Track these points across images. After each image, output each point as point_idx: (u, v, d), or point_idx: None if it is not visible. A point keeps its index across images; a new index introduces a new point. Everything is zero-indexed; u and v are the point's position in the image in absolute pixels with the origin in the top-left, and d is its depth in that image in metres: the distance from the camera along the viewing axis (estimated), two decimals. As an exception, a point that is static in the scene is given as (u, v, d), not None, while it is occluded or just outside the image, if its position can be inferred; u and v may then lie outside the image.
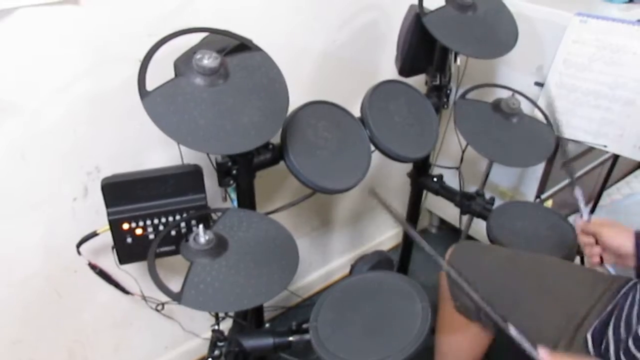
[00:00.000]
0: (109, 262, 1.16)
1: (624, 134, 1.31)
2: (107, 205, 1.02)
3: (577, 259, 1.35)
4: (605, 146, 1.34)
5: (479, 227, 1.55)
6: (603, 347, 0.88)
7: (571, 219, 0.96)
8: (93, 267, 1.19)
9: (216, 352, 0.97)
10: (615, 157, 1.42)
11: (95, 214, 1.13)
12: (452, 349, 1.22)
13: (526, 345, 0.77)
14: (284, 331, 0.98)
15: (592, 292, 1.01)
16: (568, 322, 0.98)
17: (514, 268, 1.09)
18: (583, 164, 1.86)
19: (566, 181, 1.81)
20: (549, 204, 1.70)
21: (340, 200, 1.78)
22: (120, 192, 1.02)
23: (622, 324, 0.87)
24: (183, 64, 0.90)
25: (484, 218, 1.35)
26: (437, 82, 1.36)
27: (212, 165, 1.06)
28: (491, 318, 1.09)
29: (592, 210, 1.57)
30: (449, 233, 2.12)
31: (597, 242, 0.97)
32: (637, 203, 1.99)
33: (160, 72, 0.85)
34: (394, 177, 1.87)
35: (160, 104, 0.82)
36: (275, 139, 1.04)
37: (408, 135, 1.21)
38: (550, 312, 1.01)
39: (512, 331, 0.78)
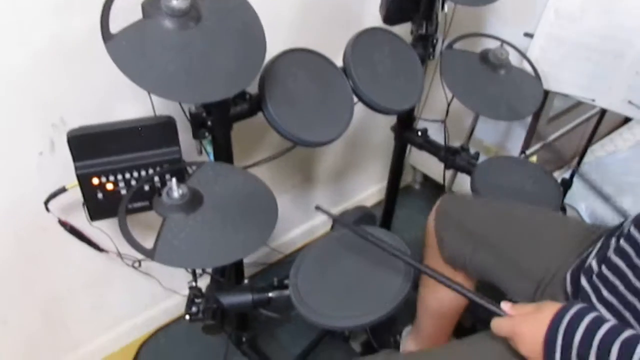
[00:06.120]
0: (81, 219, 1.11)
1: (613, 87, 1.28)
2: (75, 159, 0.97)
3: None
4: (593, 100, 1.32)
5: (462, 183, 1.53)
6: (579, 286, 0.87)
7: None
8: (63, 224, 1.14)
9: (193, 309, 0.95)
10: (603, 113, 1.40)
11: (63, 169, 1.07)
12: (436, 300, 1.22)
13: (488, 304, 0.77)
14: (263, 287, 0.96)
15: (575, 240, 0.99)
16: (549, 266, 0.97)
17: (502, 219, 1.07)
18: (569, 119, 1.84)
19: (552, 137, 1.80)
20: (533, 159, 1.68)
21: (322, 155, 1.74)
22: (88, 145, 0.97)
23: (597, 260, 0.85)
24: (151, 5, 0.82)
25: (469, 173, 1.33)
26: (423, 32, 1.30)
27: (186, 116, 1.00)
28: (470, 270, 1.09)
29: (578, 165, 1.55)
30: (433, 189, 2.10)
31: None
32: (620, 161, 1.99)
33: (129, 18, 0.78)
34: (377, 131, 1.83)
35: (125, 48, 0.76)
36: (253, 89, 0.98)
37: (392, 86, 1.17)
38: (534, 257, 1.00)
39: (470, 294, 0.78)
